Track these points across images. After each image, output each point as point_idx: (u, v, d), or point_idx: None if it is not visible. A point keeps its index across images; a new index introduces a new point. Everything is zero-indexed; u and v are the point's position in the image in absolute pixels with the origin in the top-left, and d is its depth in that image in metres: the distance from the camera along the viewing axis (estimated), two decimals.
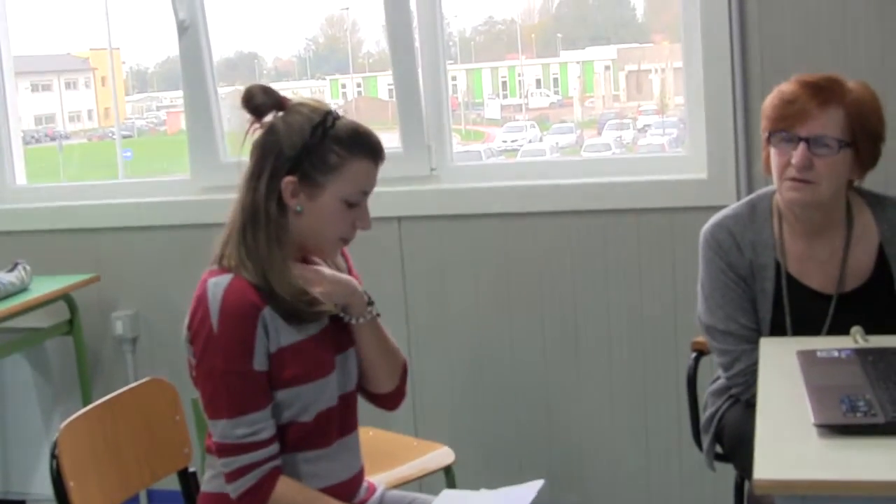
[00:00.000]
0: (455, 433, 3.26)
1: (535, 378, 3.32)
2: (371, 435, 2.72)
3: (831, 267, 2.35)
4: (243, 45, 4.07)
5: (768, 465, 1.60)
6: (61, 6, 4.00)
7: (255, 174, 1.94)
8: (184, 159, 3.69)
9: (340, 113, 1.97)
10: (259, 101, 1.95)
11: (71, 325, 3.56)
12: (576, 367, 3.27)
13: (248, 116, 1.97)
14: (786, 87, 2.30)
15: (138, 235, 3.64)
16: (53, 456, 2.00)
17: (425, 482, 2.72)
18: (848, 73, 2.34)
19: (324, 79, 4.10)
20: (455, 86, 3.72)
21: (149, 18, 3.84)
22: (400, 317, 3.34)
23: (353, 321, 2.03)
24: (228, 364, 1.88)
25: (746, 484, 2.49)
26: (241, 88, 1.99)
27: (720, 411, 2.47)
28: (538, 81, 3.94)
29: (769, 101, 2.33)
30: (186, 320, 1.92)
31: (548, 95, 3.94)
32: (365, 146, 1.95)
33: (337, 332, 2.03)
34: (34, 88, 4.50)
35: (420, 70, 3.36)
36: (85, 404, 2.84)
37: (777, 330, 2.35)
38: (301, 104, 1.95)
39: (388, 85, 3.67)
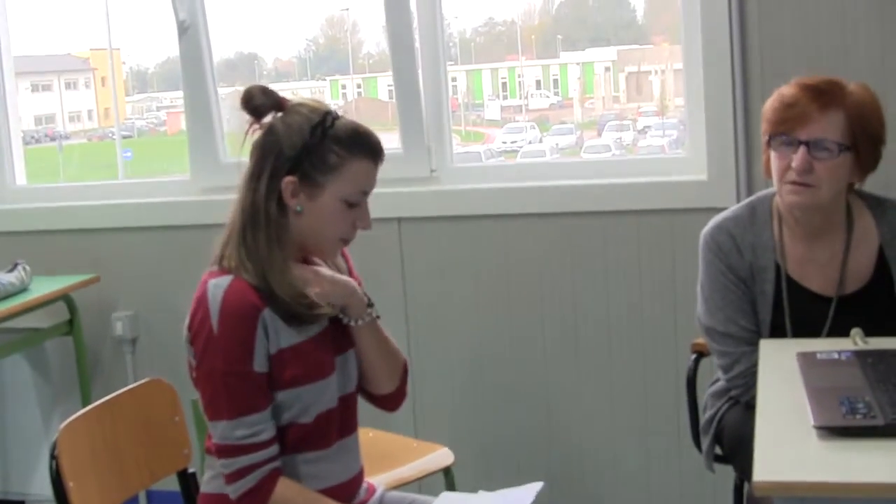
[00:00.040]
0: (454, 434, 3.26)
1: (535, 379, 3.32)
2: (370, 436, 2.72)
3: (831, 269, 2.35)
4: (243, 46, 4.08)
5: (768, 466, 1.60)
6: (61, 6, 4.00)
7: (254, 175, 1.94)
8: (184, 160, 3.69)
9: (340, 113, 1.98)
10: (258, 102, 1.95)
11: (70, 326, 3.56)
12: (575, 369, 3.27)
13: (247, 117, 1.97)
14: (786, 90, 2.30)
15: (138, 236, 3.63)
16: (53, 456, 2.00)
17: (425, 483, 2.72)
18: (848, 75, 2.34)
19: (324, 79, 4.10)
20: (455, 87, 3.72)
21: (149, 19, 3.84)
22: (400, 318, 3.34)
23: (352, 323, 2.03)
24: (228, 365, 1.88)
25: (746, 485, 2.49)
26: (242, 89, 1.99)
27: (720, 413, 2.47)
28: (538, 82, 3.94)
29: (769, 105, 2.33)
30: (186, 321, 1.93)
31: (548, 96, 3.95)
32: (364, 146, 1.95)
33: (337, 333, 2.03)
34: (34, 88, 4.50)
35: (420, 71, 3.36)
36: (84, 405, 2.83)
37: (777, 332, 2.35)
38: (300, 104, 1.95)
39: (388, 86, 3.67)
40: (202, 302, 1.89)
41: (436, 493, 2.13)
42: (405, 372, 2.16)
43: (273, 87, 2.00)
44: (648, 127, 3.80)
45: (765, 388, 1.96)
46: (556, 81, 3.91)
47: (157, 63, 4.40)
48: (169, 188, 3.73)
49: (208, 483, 2.03)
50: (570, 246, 3.22)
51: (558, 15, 3.84)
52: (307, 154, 1.91)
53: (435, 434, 3.12)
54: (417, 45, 3.34)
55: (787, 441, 1.71)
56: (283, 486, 1.92)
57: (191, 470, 2.30)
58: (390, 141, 3.38)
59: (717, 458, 2.53)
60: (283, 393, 1.93)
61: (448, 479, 2.67)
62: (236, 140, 2.00)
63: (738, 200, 2.82)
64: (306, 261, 2.02)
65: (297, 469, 1.98)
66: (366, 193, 1.98)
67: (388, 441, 2.85)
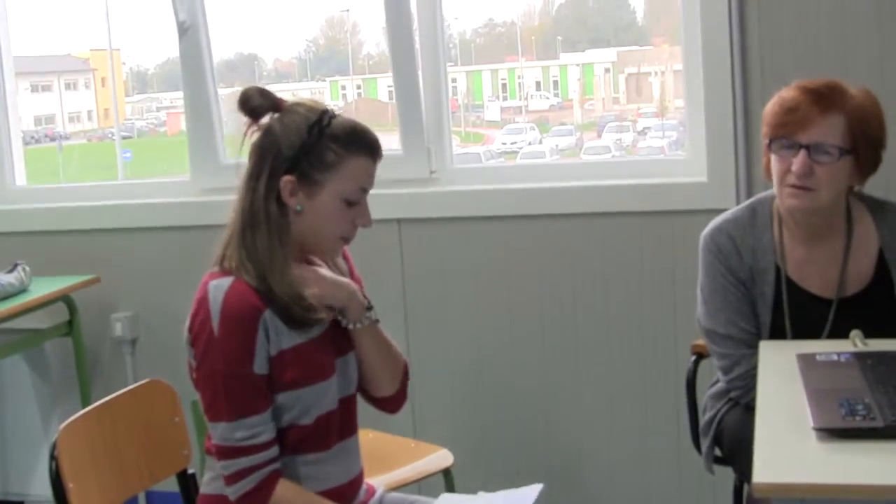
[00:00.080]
0: (454, 436, 3.26)
1: (534, 381, 3.32)
2: (370, 437, 2.72)
3: (831, 271, 2.35)
4: (243, 47, 4.08)
5: (767, 468, 1.60)
6: (62, 7, 4.00)
7: (253, 175, 1.94)
8: (184, 160, 3.69)
9: (338, 113, 1.98)
10: (256, 103, 1.95)
11: (70, 327, 3.56)
12: (575, 371, 3.27)
13: (245, 119, 1.97)
14: (786, 93, 2.30)
15: (138, 237, 3.63)
16: (52, 457, 2.00)
17: (424, 484, 2.73)
18: (847, 76, 2.34)
19: (324, 80, 4.10)
20: (455, 88, 3.72)
21: (149, 19, 3.84)
22: (399, 319, 3.34)
23: (351, 326, 2.03)
24: (229, 367, 1.88)
25: (745, 487, 2.49)
26: (241, 90, 2.00)
27: (719, 414, 2.47)
28: (538, 84, 3.94)
29: (770, 108, 2.32)
30: (187, 322, 1.93)
31: (547, 98, 3.95)
32: (362, 143, 1.95)
33: (338, 335, 2.03)
34: (34, 89, 4.50)
35: (420, 72, 3.36)
36: (84, 406, 2.83)
37: (777, 334, 2.35)
38: (297, 104, 1.96)
39: (388, 87, 3.67)
40: (203, 303, 1.89)
41: (435, 495, 2.13)
42: (406, 374, 2.16)
43: (273, 87, 2.00)
44: (648, 128, 3.80)
45: (764, 389, 1.96)
46: (555, 83, 3.91)
47: (157, 63, 4.40)
48: (169, 189, 3.73)
49: (208, 484, 2.03)
50: (569, 247, 3.22)
51: (558, 16, 3.84)
52: (305, 153, 1.91)
53: (434, 435, 3.12)
54: (417, 46, 3.34)
55: (786, 443, 1.70)
56: (283, 488, 1.92)
57: (190, 471, 2.30)
58: (390, 142, 3.38)
59: (717, 460, 2.53)
60: (283, 395, 1.93)
61: (447, 480, 2.67)
62: (236, 141, 2.00)
63: (738, 202, 2.82)
64: (308, 262, 2.02)
65: (297, 471, 1.98)
66: (365, 191, 1.98)
67: (387, 442, 2.85)
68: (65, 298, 3.49)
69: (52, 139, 4.52)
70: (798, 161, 2.23)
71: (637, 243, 3.16)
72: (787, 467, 1.62)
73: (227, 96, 3.66)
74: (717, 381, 2.52)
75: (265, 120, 1.96)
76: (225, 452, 1.90)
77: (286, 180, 1.91)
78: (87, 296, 3.55)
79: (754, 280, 2.36)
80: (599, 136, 3.84)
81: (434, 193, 3.36)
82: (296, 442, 1.96)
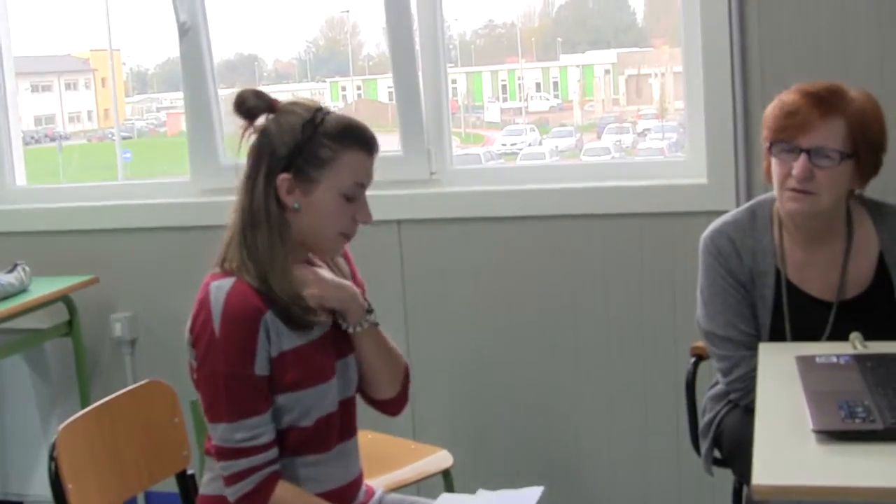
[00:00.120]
0: (453, 437, 3.26)
1: (534, 382, 3.32)
2: (369, 438, 2.72)
3: (831, 274, 2.35)
4: (244, 47, 4.08)
5: (767, 470, 1.60)
6: (62, 7, 4.00)
7: (251, 176, 1.95)
8: (184, 161, 3.69)
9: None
10: (251, 104, 1.96)
11: (70, 327, 3.56)
12: (575, 371, 3.27)
13: (241, 121, 1.98)
14: (787, 96, 2.29)
15: (138, 237, 3.63)
16: (52, 458, 2.00)
17: (423, 485, 2.72)
18: (847, 78, 2.34)
19: (324, 81, 4.10)
20: (455, 89, 3.72)
21: (149, 20, 3.84)
22: (399, 320, 3.34)
23: (350, 329, 2.03)
24: (230, 368, 1.88)
25: (745, 489, 2.49)
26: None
27: (719, 416, 2.47)
28: (538, 85, 3.94)
29: (770, 111, 2.32)
30: (188, 323, 1.93)
31: (547, 99, 3.95)
32: (356, 138, 1.95)
33: (338, 338, 2.03)
34: (34, 89, 4.50)
35: (420, 73, 3.36)
36: (83, 406, 2.84)
37: (777, 336, 2.35)
38: (292, 104, 1.97)
39: (388, 88, 3.67)
40: (204, 304, 1.89)
41: (434, 496, 2.12)
42: (407, 377, 2.16)
43: (273, 88, 2.01)
44: (648, 130, 3.80)
45: (764, 391, 1.96)
46: (555, 84, 3.91)
47: (158, 64, 4.40)
48: (169, 189, 3.73)
49: (207, 485, 2.03)
50: (569, 248, 3.22)
51: (558, 17, 3.84)
52: (299, 150, 1.92)
53: (434, 436, 3.12)
54: (417, 47, 3.35)
55: (786, 445, 1.70)
56: (282, 490, 1.92)
57: (190, 472, 2.31)
58: (390, 143, 3.39)
59: (716, 462, 2.53)
60: (283, 396, 1.93)
61: (447, 481, 2.67)
62: (236, 142, 2.00)
63: (738, 204, 2.82)
64: (310, 263, 2.02)
65: (297, 472, 1.98)
66: (363, 186, 1.98)
67: (386, 443, 2.85)
68: (64, 299, 3.49)
69: (52, 139, 4.52)
70: (798, 165, 2.23)
71: (637, 245, 3.16)
72: (787, 469, 1.62)
73: (227, 97, 3.66)
74: (716, 383, 2.52)
75: (261, 121, 1.97)
76: (224, 453, 1.90)
77: (282, 178, 1.92)
78: (86, 296, 3.55)
79: (754, 282, 2.36)
80: (599, 137, 3.84)
81: (434, 194, 3.36)
82: (296, 444, 1.96)
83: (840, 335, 2.24)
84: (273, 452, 1.92)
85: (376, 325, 2.07)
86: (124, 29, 4.01)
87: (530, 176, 3.35)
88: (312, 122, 1.92)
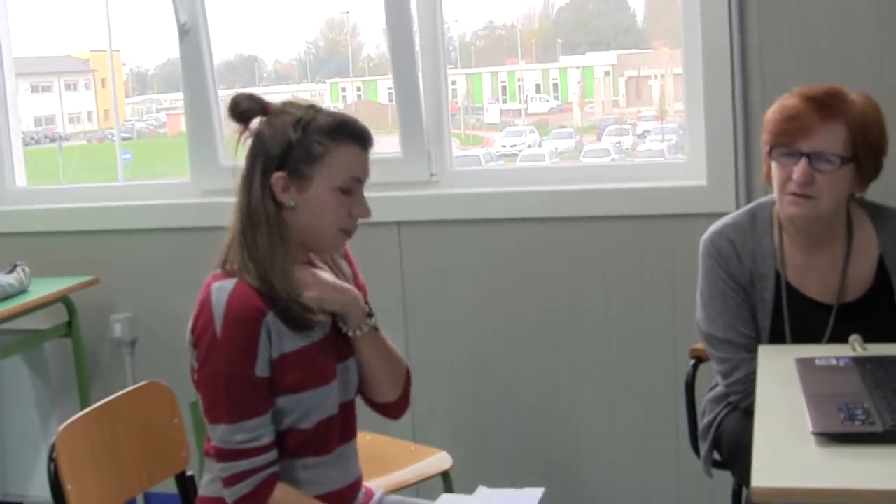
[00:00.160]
0: (453, 438, 3.26)
1: (533, 383, 3.31)
2: (369, 440, 2.72)
3: (831, 277, 2.35)
4: (244, 48, 4.08)
5: (766, 472, 1.60)
6: (62, 7, 4.00)
7: (247, 177, 1.96)
8: (184, 162, 3.69)
9: None
10: (244, 107, 1.97)
11: (70, 328, 3.56)
12: (575, 372, 3.27)
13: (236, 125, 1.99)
14: (787, 100, 2.29)
15: (137, 238, 3.63)
16: (51, 459, 2.00)
17: (423, 487, 2.72)
18: (847, 80, 2.35)
19: (324, 82, 4.10)
20: (455, 90, 3.72)
21: (149, 20, 3.84)
22: (399, 321, 3.34)
23: (351, 333, 2.03)
24: (231, 369, 1.88)
25: (744, 491, 2.49)
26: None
27: (718, 418, 2.47)
28: (538, 86, 3.94)
29: (771, 115, 2.32)
30: (190, 324, 1.93)
31: (547, 100, 3.95)
32: (347, 132, 1.95)
33: (339, 340, 2.03)
34: (34, 90, 4.50)
35: (420, 74, 3.36)
36: (83, 407, 2.83)
37: (776, 339, 2.35)
38: (284, 104, 1.98)
39: (388, 89, 3.67)
40: (206, 305, 1.89)
41: (434, 497, 2.12)
42: (408, 380, 2.16)
43: (273, 89, 2.01)
44: (648, 131, 3.80)
45: (763, 394, 1.96)
46: (555, 85, 3.91)
47: (158, 65, 4.40)
48: (168, 190, 3.73)
49: (206, 486, 2.03)
50: (569, 250, 3.22)
51: (558, 19, 3.84)
52: (292, 149, 1.92)
53: (433, 438, 3.12)
54: (417, 48, 3.35)
55: (785, 447, 1.71)
56: (282, 491, 1.92)
57: (189, 473, 2.31)
58: (390, 144, 3.39)
59: (716, 464, 2.53)
60: (283, 398, 1.93)
61: (446, 482, 2.67)
62: (234, 144, 2.01)
63: (738, 206, 2.82)
64: (312, 264, 2.02)
65: (297, 474, 1.98)
66: (359, 181, 1.97)
67: (386, 445, 2.85)
68: (64, 299, 3.49)
69: (52, 140, 4.52)
70: (799, 169, 2.23)
71: (636, 246, 3.16)
72: (786, 472, 1.62)
73: (227, 98, 3.66)
74: (716, 385, 2.52)
75: (255, 124, 1.97)
76: (224, 455, 1.90)
77: (277, 177, 1.92)
78: (86, 297, 3.55)
79: (754, 285, 2.36)
80: (599, 139, 3.85)
81: (434, 196, 3.35)
82: (296, 446, 1.96)
83: (840, 338, 2.24)
84: (272, 454, 1.92)
85: (377, 328, 2.07)
86: (124, 29, 4.02)
87: (530, 177, 3.35)
88: (304, 120, 1.93)
